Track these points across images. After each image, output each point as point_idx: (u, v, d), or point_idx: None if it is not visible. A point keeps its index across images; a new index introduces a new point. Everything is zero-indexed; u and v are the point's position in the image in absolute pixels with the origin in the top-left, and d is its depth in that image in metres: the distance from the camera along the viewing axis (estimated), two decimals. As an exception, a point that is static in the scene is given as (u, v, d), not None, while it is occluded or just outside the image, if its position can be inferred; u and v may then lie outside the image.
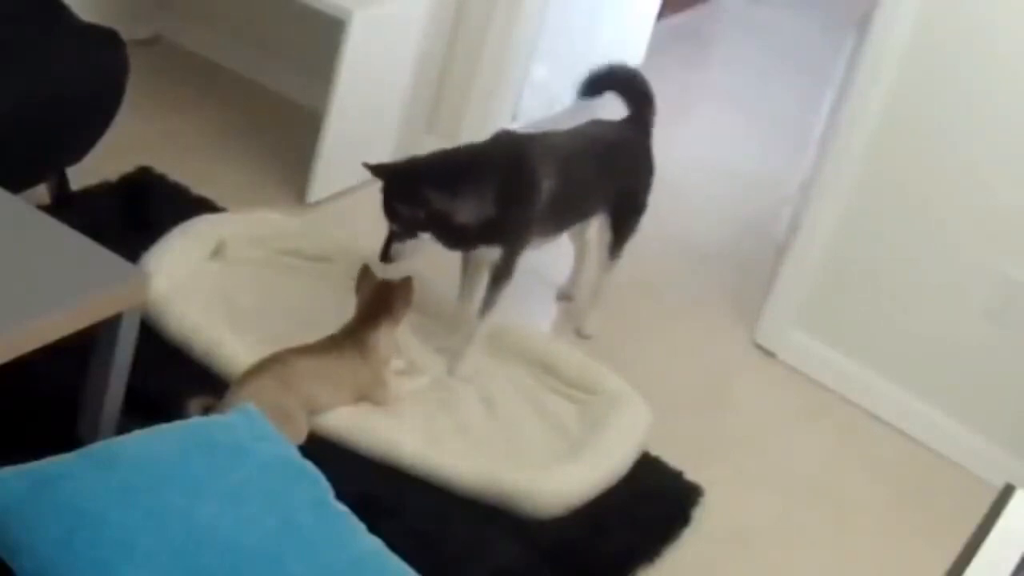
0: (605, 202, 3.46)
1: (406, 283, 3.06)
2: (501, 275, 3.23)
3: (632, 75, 3.58)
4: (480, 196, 3.12)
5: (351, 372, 2.97)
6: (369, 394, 3.01)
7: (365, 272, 3.08)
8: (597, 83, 3.54)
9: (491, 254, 3.22)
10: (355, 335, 3.00)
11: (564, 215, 3.37)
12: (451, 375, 3.23)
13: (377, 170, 3.14)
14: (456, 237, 3.18)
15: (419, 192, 3.08)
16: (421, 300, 3.18)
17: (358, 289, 3.07)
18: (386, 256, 3.15)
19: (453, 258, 3.35)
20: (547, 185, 3.20)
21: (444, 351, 3.29)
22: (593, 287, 3.66)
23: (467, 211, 3.11)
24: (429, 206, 3.08)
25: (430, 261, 3.56)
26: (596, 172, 3.37)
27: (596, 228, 3.55)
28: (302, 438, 2.80)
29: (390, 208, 3.11)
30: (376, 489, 2.76)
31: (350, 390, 2.97)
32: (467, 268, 3.34)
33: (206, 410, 2.74)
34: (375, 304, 3.03)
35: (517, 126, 4.25)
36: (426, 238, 3.13)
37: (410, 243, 3.13)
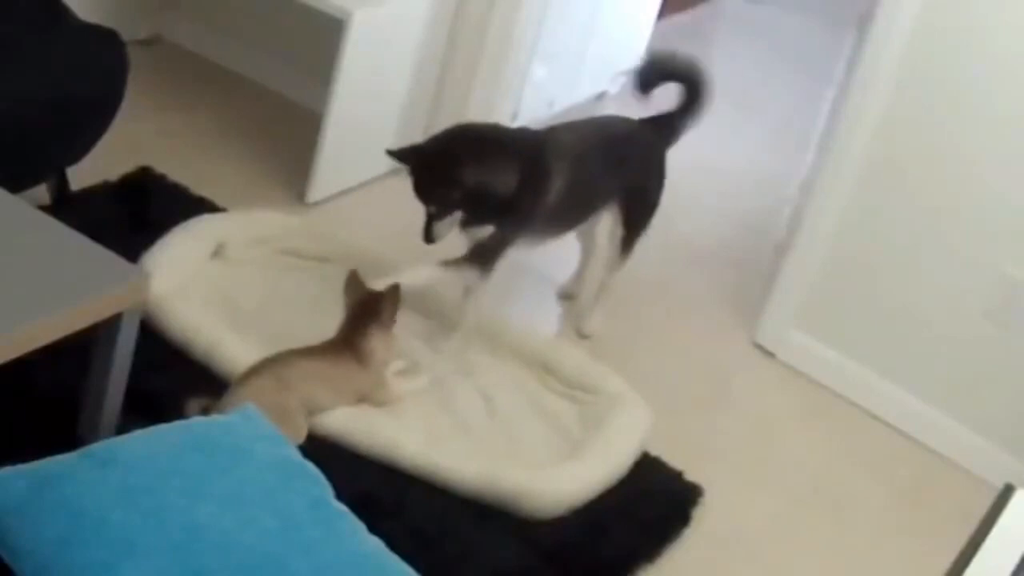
0: (613, 197, 3.45)
1: (393, 291, 3.04)
2: (486, 256, 3.21)
3: (695, 67, 3.55)
4: (507, 171, 3.12)
5: (350, 376, 2.97)
6: (370, 397, 3.00)
7: (353, 279, 3.07)
8: (655, 72, 3.51)
9: (485, 231, 3.20)
10: (349, 340, 2.99)
11: (572, 212, 3.36)
12: (436, 352, 3.24)
13: (403, 155, 3.13)
14: (481, 212, 3.15)
15: (452, 172, 3.06)
16: (421, 301, 3.18)
17: (345, 294, 3.06)
18: (429, 237, 3.11)
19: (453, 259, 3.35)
20: (558, 183, 3.19)
21: (444, 352, 3.29)
22: (598, 287, 3.65)
23: (501, 182, 3.10)
24: (464, 184, 3.06)
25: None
26: (604, 167, 3.37)
27: (606, 226, 3.54)
28: (302, 438, 2.80)
29: (425, 192, 3.08)
30: (376, 489, 2.76)
31: (349, 393, 2.97)
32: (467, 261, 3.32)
33: (205, 410, 2.74)
34: (361, 311, 3.02)
35: (519, 124, 4.25)
36: (459, 214, 3.11)
37: (448, 220, 3.11)
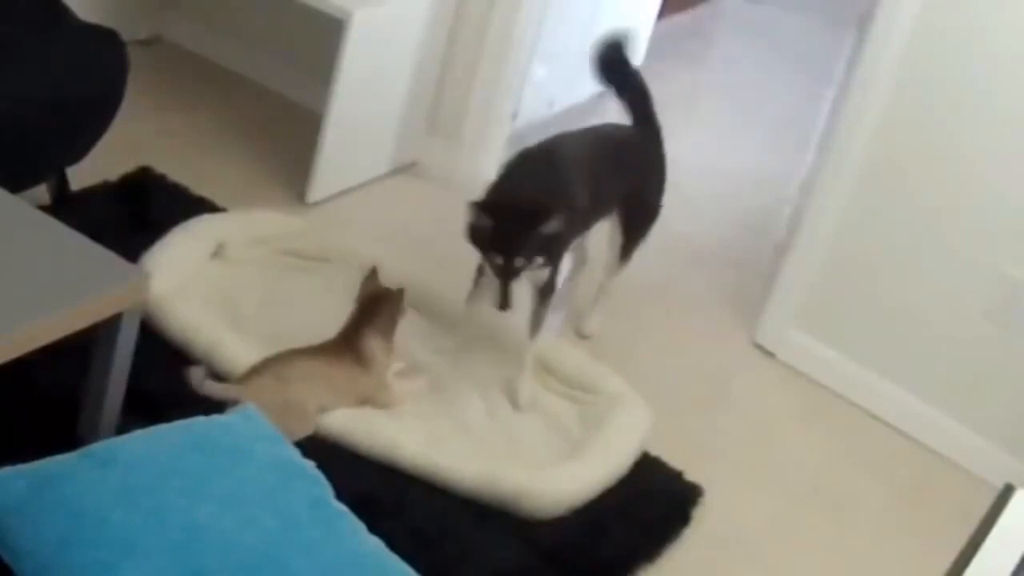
0: (614, 204, 3.43)
1: (396, 295, 3.04)
2: (548, 290, 3.17)
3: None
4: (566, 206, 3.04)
5: (350, 376, 2.97)
6: (372, 398, 3.00)
7: (370, 276, 3.07)
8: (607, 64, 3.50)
9: (542, 273, 3.11)
10: (349, 341, 2.99)
11: (580, 224, 3.32)
12: (516, 408, 3.17)
13: (486, 206, 2.94)
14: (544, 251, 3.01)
15: (541, 217, 2.90)
16: (421, 301, 3.18)
17: (359, 290, 3.06)
18: (507, 302, 2.94)
19: (452, 259, 3.35)
20: (582, 199, 3.16)
21: (444, 352, 3.28)
22: (597, 289, 3.65)
23: (567, 218, 3.02)
24: (551, 226, 2.93)
25: (428, 262, 3.56)
26: (609, 175, 3.33)
27: (606, 232, 3.51)
28: (310, 429, 2.80)
29: (512, 243, 2.91)
30: (376, 489, 2.76)
31: (350, 393, 2.97)
32: (482, 274, 3.21)
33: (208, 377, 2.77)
34: (364, 312, 3.02)
35: (519, 124, 4.26)
36: (539, 263, 2.97)
37: (526, 274, 2.95)
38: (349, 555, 2.20)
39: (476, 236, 3.00)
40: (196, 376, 2.77)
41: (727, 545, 3.04)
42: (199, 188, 3.64)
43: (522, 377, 3.22)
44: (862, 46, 3.66)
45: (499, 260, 2.97)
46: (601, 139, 3.43)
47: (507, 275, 2.96)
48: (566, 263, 3.74)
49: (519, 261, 2.95)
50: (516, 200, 3.02)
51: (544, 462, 3.01)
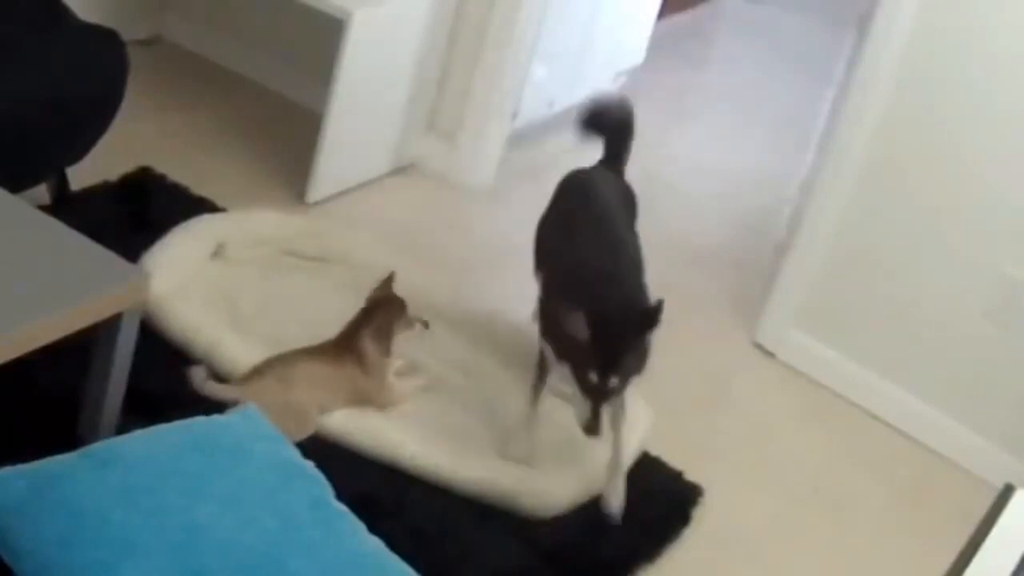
0: None
1: (396, 300, 3.03)
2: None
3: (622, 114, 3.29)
4: None
5: (351, 379, 2.97)
6: (372, 399, 3.00)
7: (385, 281, 3.06)
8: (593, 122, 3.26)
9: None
10: (349, 343, 2.99)
11: None
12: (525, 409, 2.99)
13: (591, 315, 2.56)
14: None
15: (656, 321, 2.61)
16: (422, 303, 3.18)
17: (370, 294, 3.06)
18: (598, 428, 2.60)
19: (452, 259, 3.35)
20: None
21: (444, 352, 3.28)
22: None
23: None
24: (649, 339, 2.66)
25: (428, 262, 3.56)
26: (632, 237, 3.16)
27: None
28: (311, 430, 2.81)
29: (632, 358, 2.61)
30: (376, 489, 2.76)
31: (350, 395, 2.96)
32: (544, 369, 3.00)
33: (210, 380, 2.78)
34: (365, 315, 3.02)
35: (519, 124, 4.25)
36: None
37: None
38: (349, 555, 2.20)
39: (567, 346, 2.64)
40: (197, 376, 2.77)
41: (727, 545, 3.04)
42: (199, 188, 3.64)
43: (537, 384, 3.11)
44: (862, 46, 3.66)
45: (595, 378, 2.60)
46: (618, 192, 3.20)
47: (604, 396, 2.61)
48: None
49: (616, 381, 2.61)
50: (617, 306, 2.65)
51: (544, 462, 3.01)
